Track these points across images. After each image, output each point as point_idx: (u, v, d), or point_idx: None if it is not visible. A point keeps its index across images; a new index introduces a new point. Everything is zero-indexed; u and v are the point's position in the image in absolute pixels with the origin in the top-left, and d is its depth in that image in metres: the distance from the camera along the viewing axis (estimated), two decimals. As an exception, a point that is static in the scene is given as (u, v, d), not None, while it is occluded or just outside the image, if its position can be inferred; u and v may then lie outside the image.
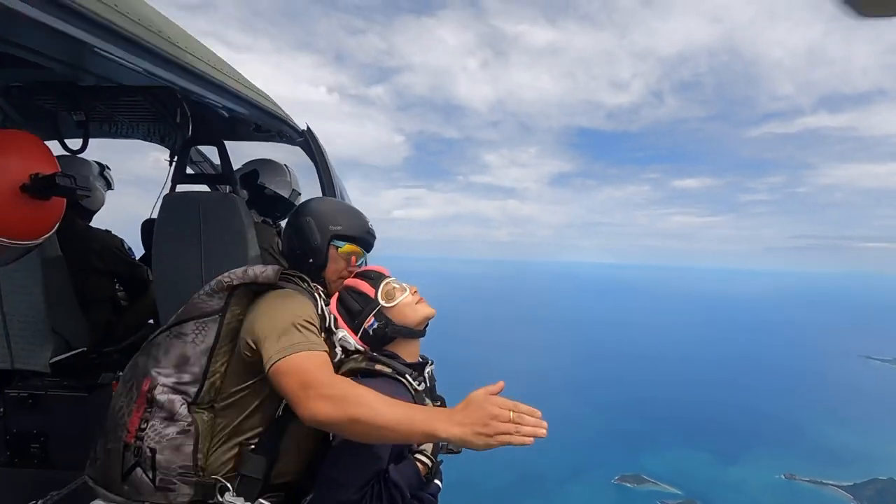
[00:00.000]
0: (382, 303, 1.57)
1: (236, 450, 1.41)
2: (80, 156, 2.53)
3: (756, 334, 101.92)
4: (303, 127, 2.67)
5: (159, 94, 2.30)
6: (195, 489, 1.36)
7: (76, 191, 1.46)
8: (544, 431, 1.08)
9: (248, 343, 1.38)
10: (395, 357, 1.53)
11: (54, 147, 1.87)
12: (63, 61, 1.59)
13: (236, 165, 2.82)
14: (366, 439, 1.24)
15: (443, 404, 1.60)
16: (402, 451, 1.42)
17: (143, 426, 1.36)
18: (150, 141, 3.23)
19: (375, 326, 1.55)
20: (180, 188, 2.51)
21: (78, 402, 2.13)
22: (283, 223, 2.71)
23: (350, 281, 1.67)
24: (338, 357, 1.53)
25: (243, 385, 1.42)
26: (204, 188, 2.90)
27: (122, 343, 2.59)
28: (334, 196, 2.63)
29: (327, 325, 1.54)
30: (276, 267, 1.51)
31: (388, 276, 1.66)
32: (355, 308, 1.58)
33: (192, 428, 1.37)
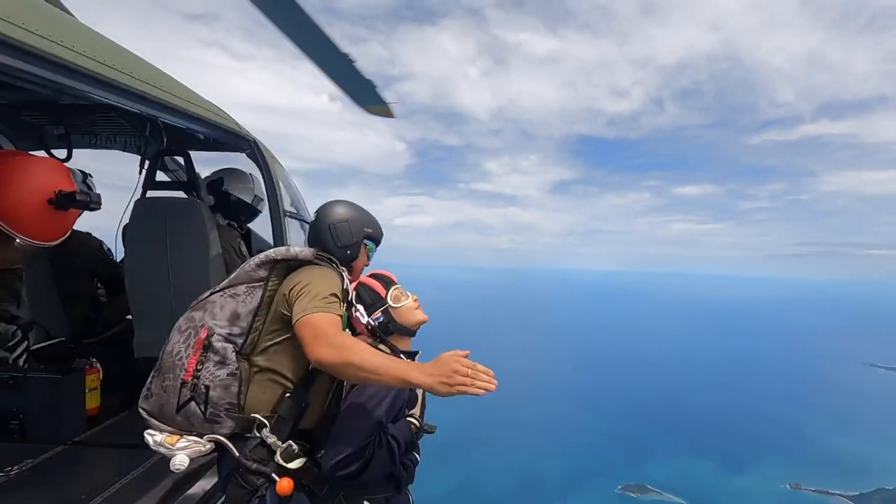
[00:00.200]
0: (390, 303, 1.99)
1: (273, 394, 1.69)
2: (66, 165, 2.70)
3: (758, 340, 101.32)
4: (254, 139, 2.91)
5: (129, 111, 2.57)
6: (237, 423, 1.65)
7: (90, 204, 1.75)
8: (493, 387, 1.38)
9: (285, 302, 1.69)
10: (394, 346, 1.91)
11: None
12: (44, 84, 1.91)
13: (208, 173, 3.12)
14: (357, 381, 1.67)
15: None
16: (398, 414, 1.80)
17: (199, 367, 1.64)
18: (128, 151, 3.47)
19: (381, 321, 1.97)
20: (151, 195, 2.77)
21: (52, 383, 2.34)
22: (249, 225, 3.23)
23: (366, 279, 2.08)
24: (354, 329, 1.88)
25: (277, 340, 1.72)
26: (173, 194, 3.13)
27: (100, 336, 2.79)
28: (277, 202, 2.92)
29: (350, 299, 1.84)
30: (313, 249, 1.85)
31: (397, 283, 2.07)
32: (368, 301, 1.99)
33: (238, 372, 1.66)
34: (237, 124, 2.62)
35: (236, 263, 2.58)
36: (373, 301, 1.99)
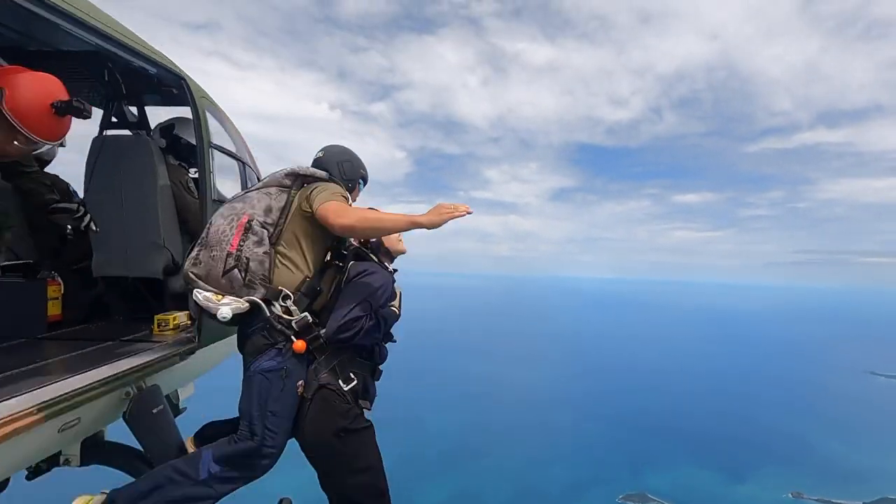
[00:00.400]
0: None
1: (294, 279, 2.19)
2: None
3: (759, 348, 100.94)
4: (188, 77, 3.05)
5: (87, 59, 2.79)
6: (268, 291, 2.12)
7: (83, 112, 2.04)
8: (464, 211, 1.97)
9: (306, 201, 2.23)
10: (381, 261, 2.47)
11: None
12: (10, 27, 2.20)
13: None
14: (376, 234, 2.32)
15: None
16: (385, 302, 2.29)
17: (241, 244, 2.12)
18: (92, 104, 3.63)
19: (374, 241, 2.50)
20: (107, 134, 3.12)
21: (18, 287, 2.67)
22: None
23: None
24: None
25: (298, 235, 2.23)
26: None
27: (69, 267, 3.02)
28: (202, 135, 3.10)
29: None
30: (325, 172, 2.41)
31: None
32: None
33: (270, 251, 2.17)
34: (172, 62, 2.86)
35: (184, 197, 3.12)
36: None
